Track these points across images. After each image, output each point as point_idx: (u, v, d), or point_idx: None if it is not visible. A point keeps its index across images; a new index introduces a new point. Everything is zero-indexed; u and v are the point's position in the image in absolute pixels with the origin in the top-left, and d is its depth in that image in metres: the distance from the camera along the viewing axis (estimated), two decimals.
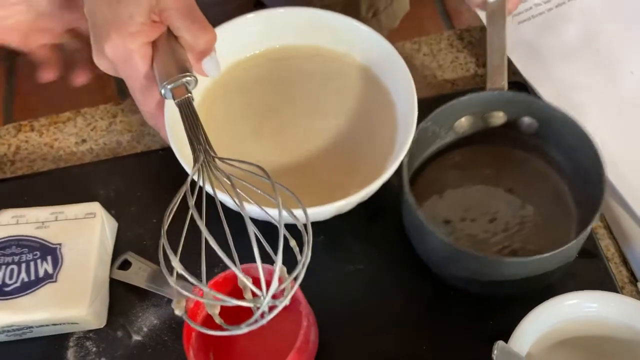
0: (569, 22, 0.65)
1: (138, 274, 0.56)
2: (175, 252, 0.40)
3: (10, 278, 0.53)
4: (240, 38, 0.61)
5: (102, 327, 0.55)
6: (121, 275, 0.56)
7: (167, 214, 0.42)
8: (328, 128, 0.59)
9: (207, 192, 0.44)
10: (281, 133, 0.59)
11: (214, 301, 0.43)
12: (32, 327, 0.53)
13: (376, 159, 0.57)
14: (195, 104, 0.51)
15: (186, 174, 0.51)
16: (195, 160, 0.46)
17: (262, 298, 0.40)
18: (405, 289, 0.56)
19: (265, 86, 0.62)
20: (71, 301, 0.52)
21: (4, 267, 0.53)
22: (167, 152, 0.63)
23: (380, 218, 0.59)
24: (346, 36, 0.61)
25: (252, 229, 0.40)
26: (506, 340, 0.46)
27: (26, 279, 0.53)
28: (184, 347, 0.49)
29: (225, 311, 0.43)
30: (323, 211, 0.51)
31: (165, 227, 0.42)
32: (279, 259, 0.40)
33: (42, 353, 0.54)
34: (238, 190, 0.43)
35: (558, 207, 0.57)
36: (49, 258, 0.53)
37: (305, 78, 0.62)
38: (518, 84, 0.64)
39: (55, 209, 0.56)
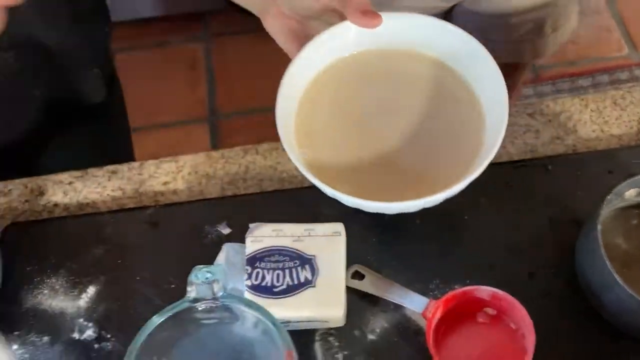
0: None
1: (372, 283, 0.68)
2: None
3: (277, 281, 0.65)
4: (341, 39, 0.67)
5: (342, 325, 0.66)
6: (355, 284, 0.68)
7: None
8: (414, 125, 0.65)
9: None
10: (376, 129, 0.66)
11: None
12: (290, 322, 0.65)
13: (462, 157, 0.63)
14: (301, 93, 0.66)
15: None
16: None
17: None
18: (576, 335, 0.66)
19: (362, 83, 0.68)
20: (329, 303, 0.64)
21: (271, 271, 0.65)
22: None
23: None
24: (434, 36, 0.67)
25: None
26: None
27: (290, 283, 0.64)
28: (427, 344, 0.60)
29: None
30: (410, 206, 0.59)
31: None
32: None
33: (294, 343, 0.66)
34: None
35: None
36: (307, 267, 0.65)
37: (395, 78, 0.68)
38: None
39: (307, 226, 0.67)
